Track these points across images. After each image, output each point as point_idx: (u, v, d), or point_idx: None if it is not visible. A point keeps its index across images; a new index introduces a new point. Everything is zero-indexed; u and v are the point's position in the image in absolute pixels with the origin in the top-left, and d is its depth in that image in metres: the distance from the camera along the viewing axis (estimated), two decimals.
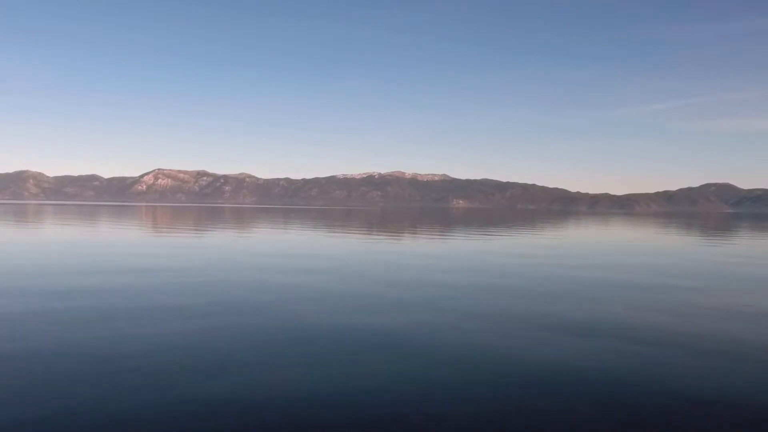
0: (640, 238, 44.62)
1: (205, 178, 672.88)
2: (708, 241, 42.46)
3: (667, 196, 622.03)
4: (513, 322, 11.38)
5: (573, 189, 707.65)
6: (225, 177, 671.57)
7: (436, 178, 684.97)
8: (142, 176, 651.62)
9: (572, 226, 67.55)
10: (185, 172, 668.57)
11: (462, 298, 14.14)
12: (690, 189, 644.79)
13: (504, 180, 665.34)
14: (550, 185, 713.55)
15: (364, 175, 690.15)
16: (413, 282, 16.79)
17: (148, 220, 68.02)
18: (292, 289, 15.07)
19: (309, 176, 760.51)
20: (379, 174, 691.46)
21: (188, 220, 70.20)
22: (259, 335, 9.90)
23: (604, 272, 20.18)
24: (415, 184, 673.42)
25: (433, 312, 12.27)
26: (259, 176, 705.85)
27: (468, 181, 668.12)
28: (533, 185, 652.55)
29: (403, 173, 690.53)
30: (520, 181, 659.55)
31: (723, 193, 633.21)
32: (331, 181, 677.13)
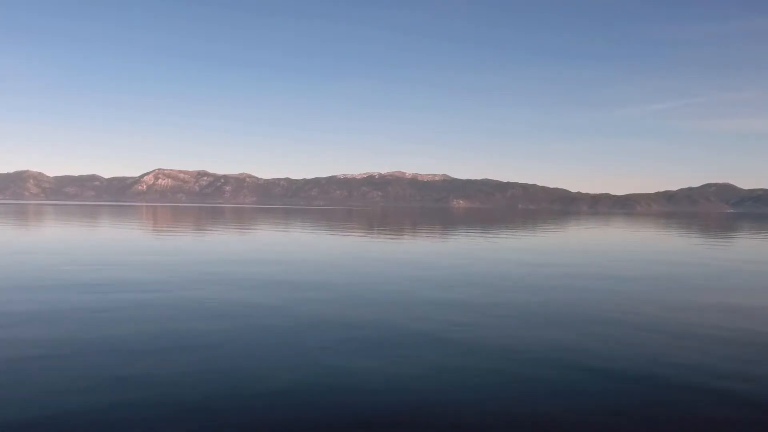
0: (652, 240, 42.05)
1: (205, 178, 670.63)
2: (721, 244, 39.91)
3: (667, 196, 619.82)
4: (533, 364, 8.84)
5: (573, 189, 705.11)
6: (225, 177, 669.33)
7: (437, 178, 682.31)
8: (142, 176, 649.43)
9: (576, 228, 64.97)
10: (185, 172, 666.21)
11: (469, 323, 11.55)
12: (690, 189, 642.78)
13: (504, 180, 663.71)
14: (551, 185, 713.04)
15: (365, 175, 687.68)
16: (412, 301, 14.14)
17: (139, 221, 65.42)
18: (256, 312, 12.31)
19: (309, 176, 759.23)
20: (380, 174, 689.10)
21: (182, 221, 67.71)
22: (169, 390, 7.35)
23: (625, 284, 17.58)
24: (416, 184, 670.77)
25: (435, 348, 9.66)
26: (260, 176, 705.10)
27: (468, 181, 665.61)
28: (533, 185, 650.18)
29: (404, 173, 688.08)
30: (520, 181, 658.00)
31: (724, 193, 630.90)
32: (332, 181, 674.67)
